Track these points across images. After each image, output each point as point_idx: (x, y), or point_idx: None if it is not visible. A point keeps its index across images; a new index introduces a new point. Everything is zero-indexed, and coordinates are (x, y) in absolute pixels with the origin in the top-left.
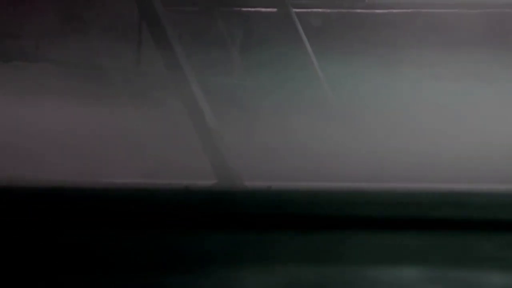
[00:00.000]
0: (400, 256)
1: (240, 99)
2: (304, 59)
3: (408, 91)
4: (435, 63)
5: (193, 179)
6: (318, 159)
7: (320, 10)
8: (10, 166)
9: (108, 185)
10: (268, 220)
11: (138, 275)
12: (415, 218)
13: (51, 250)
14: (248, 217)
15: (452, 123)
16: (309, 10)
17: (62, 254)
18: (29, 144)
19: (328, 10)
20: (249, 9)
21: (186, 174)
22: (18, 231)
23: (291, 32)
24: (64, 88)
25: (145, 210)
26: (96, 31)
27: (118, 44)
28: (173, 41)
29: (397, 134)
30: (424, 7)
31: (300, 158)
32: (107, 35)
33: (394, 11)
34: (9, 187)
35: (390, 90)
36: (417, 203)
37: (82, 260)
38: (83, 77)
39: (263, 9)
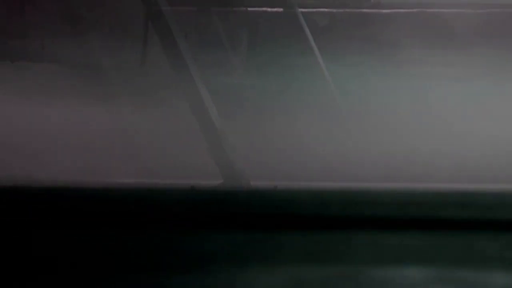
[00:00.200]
0: (405, 256)
1: (246, 99)
2: (310, 59)
3: (414, 91)
4: (441, 63)
5: (199, 179)
6: (323, 159)
7: (326, 9)
8: (15, 166)
9: (112, 185)
10: (273, 220)
11: (143, 275)
12: (420, 218)
13: (59, 250)
14: (254, 217)
15: (458, 123)
16: (315, 9)
17: (63, 254)
18: (34, 143)
19: (334, 10)
20: (255, 9)
21: (192, 174)
22: (18, 231)
23: (297, 32)
24: (69, 88)
25: (150, 210)
26: (102, 31)
27: (124, 44)
28: (178, 41)
29: (403, 134)
30: (430, 6)
31: (306, 158)
32: (112, 35)
33: (400, 10)
34: (9, 187)
35: (396, 90)
36: (421, 203)
37: (85, 261)
38: (88, 77)
39: (269, 9)
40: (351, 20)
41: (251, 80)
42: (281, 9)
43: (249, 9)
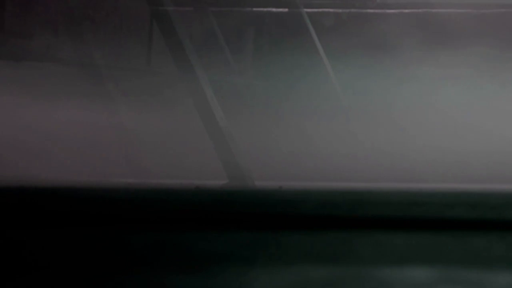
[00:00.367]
0: (411, 256)
1: (251, 99)
2: (315, 59)
3: (420, 91)
4: (447, 63)
5: (204, 179)
6: (329, 159)
7: (331, 10)
8: (20, 166)
9: (117, 184)
10: (278, 220)
11: (148, 275)
12: (426, 219)
13: (60, 250)
14: (259, 217)
15: (466, 122)
16: (320, 10)
17: (65, 254)
18: (40, 144)
19: (339, 10)
20: (261, 9)
21: (196, 173)
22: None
23: (302, 32)
24: (75, 88)
25: (155, 210)
26: (107, 31)
27: (129, 44)
28: (184, 41)
29: (409, 134)
30: (435, 7)
31: (311, 158)
32: (118, 35)
33: (405, 11)
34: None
35: (402, 90)
36: (427, 203)
37: (88, 260)
38: (93, 77)
39: (274, 9)
40: (357, 20)
41: (256, 80)
42: (286, 10)
43: (255, 9)
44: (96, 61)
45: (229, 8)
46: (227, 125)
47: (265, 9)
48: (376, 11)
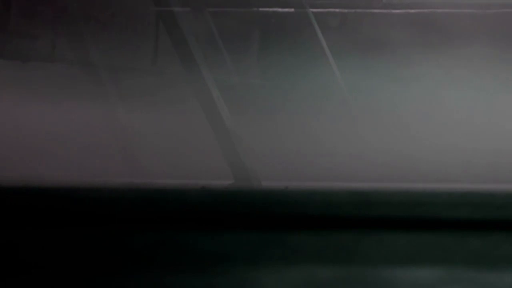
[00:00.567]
0: (417, 256)
1: (257, 99)
2: (321, 59)
3: (426, 91)
4: (453, 64)
5: (210, 179)
6: (335, 159)
7: (337, 10)
8: (27, 166)
9: (122, 184)
10: (284, 220)
11: (153, 275)
12: (432, 218)
13: (63, 250)
14: (265, 217)
15: (471, 122)
16: (326, 10)
17: (65, 254)
18: (46, 145)
19: (345, 10)
20: (266, 9)
21: (202, 173)
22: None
23: (308, 32)
24: (80, 88)
25: (161, 209)
26: (113, 32)
27: (135, 44)
28: (190, 41)
29: (414, 134)
30: (442, 7)
31: (317, 158)
32: (124, 35)
33: (412, 11)
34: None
35: (407, 90)
36: (432, 203)
37: (87, 261)
38: (99, 77)
39: (280, 9)
40: (363, 20)
41: (262, 80)
42: (292, 10)
43: (261, 9)
44: (101, 62)
45: (235, 9)
46: (233, 125)
47: (271, 9)
48: (382, 11)
